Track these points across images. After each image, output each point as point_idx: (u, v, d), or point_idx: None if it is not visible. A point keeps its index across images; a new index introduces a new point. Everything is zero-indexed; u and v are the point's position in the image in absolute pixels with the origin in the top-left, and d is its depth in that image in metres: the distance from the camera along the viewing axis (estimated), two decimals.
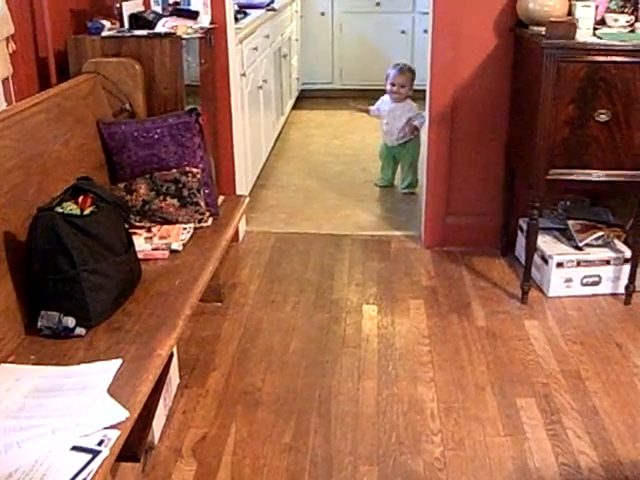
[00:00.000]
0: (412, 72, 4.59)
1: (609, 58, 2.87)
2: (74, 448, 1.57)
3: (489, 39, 3.46)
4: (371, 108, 4.76)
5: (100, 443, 1.59)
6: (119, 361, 1.89)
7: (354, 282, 3.46)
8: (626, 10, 3.17)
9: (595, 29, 3.08)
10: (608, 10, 3.18)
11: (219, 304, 3.21)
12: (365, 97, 6.30)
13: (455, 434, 2.42)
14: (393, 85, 4.56)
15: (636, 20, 3.14)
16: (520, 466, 2.29)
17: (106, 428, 1.63)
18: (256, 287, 3.39)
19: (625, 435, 2.43)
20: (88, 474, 1.50)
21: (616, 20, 3.12)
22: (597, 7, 3.12)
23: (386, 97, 4.66)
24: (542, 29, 3.01)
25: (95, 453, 1.55)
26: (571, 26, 2.89)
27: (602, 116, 2.92)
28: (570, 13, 3.14)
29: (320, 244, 3.85)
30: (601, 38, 2.96)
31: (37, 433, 1.63)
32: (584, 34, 3.02)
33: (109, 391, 1.76)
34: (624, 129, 2.94)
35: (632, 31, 3.10)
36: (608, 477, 2.25)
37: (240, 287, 3.39)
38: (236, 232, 3.77)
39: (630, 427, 2.46)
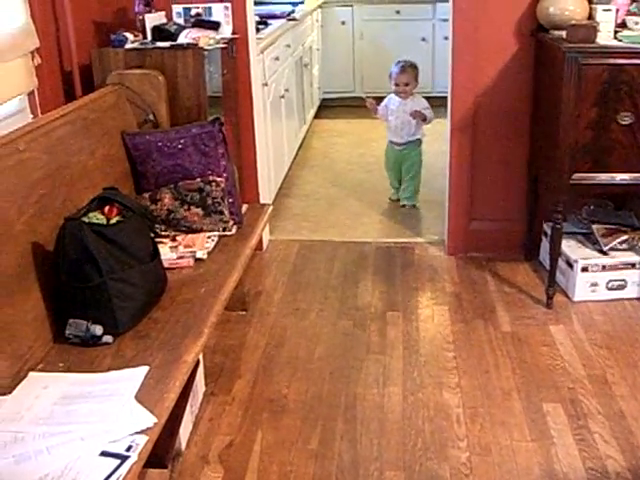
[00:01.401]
0: (414, 68, 4.52)
1: (631, 61, 2.86)
2: (103, 453, 1.59)
3: (509, 44, 3.46)
4: (378, 108, 4.62)
5: (128, 449, 1.61)
6: (146, 368, 1.91)
7: (378, 289, 3.46)
8: None
9: (616, 32, 3.07)
10: (629, 13, 3.17)
11: (244, 312, 3.22)
12: None
13: (481, 439, 2.42)
14: (397, 85, 4.49)
15: None
16: (547, 471, 2.28)
17: (134, 434, 1.65)
18: (280, 295, 3.41)
19: None
20: (117, 479, 1.52)
21: (637, 23, 3.10)
22: (617, 10, 3.12)
23: (393, 95, 4.58)
24: (563, 33, 3.01)
25: (124, 458, 1.57)
26: (591, 29, 2.89)
27: (625, 119, 2.91)
28: (591, 17, 3.14)
29: (344, 251, 3.87)
30: (622, 41, 2.95)
31: (66, 439, 1.65)
32: (605, 37, 3.01)
33: (137, 397, 1.78)
34: None
35: None
36: None
37: (264, 295, 3.40)
38: (260, 241, 3.79)
39: None
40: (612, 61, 2.87)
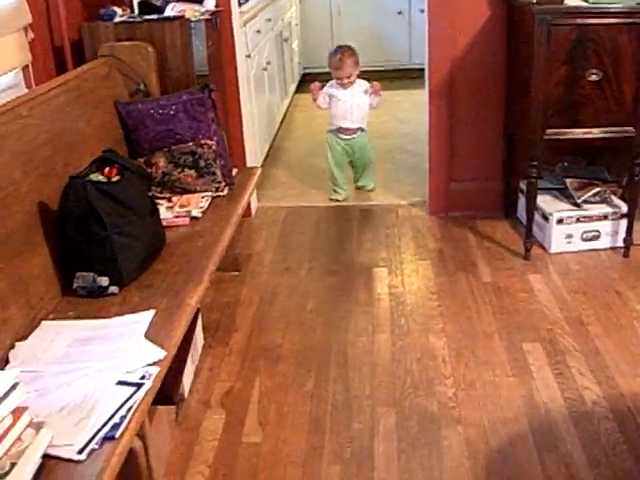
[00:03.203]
0: (353, 53, 4.13)
1: (597, 20, 3.01)
2: (119, 383, 1.74)
3: (483, 11, 3.59)
4: (318, 103, 4.22)
5: (142, 378, 1.75)
6: (152, 312, 2.05)
7: (363, 248, 3.62)
8: None
9: None
10: None
11: (237, 273, 3.36)
12: (366, 79, 6.46)
13: (466, 376, 2.58)
14: (339, 78, 4.13)
15: None
16: (528, 402, 2.44)
17: (146, 366, 1.80)
18: (271, 256, 3.55)
19: (626, 371, 2.58)
20: (134, 402, 1.66)
21: None
22: None
23: (332, 86, 4.21)
24: None
25: (139, 386, 1.72)
26: None
27: (593, 76, 3.06)
28: None
29: (329, 215, 4.02)
30: (589, 2, 3.10)
31: (83, 374, 1.80)
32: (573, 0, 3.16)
33: (146, 336, 1.93)
34: (615, 87, 3.08)
35: None
36: (611, 408, 2.40)
37: (256, 257, 3.55)
38: (249, 207, 3.93)
39: (630, 364, 2.61)
40: (579, 21, 3.02)
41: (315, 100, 4.23)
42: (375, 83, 4.17)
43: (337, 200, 4.19)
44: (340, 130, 4.21)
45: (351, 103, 4.15)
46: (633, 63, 3.04)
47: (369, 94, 4.17)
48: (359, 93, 4.17)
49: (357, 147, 4.25)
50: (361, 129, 4.24)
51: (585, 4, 3.09)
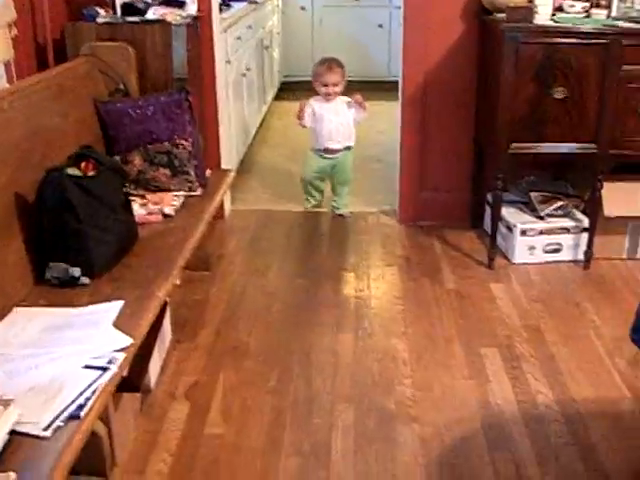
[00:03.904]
0: (341, 66, 4.07)
1: (564, 40, 3.13)
2: (86, 367, 1.81)
3: (457, 27, 3.71)
4: (303, 122, 4.11)
5: (109, 362, 1.82)
6: (122, 302, 2.12)
7: (332, 253, 3.71)
8: None
9: (554, 14, 3.34)
10: None
11: (207, 273, 3.43)
12: (345, 89, 6.56)
13: (424, 378, 2.67)
14: (325, 85, 4.02)
15: (591, 7, 3.40)
16: (483, 403, 2.54)
17: (113, 352, 1.87)
18: (241, 258, 3.63)
19: (579, 378, 2.68)
20: (99, 385, 1.73)
21: (572, 6, 3.38)
22: None
23: (314, 101, 4.10)
24: (504, 15, 3.27)
25: (104, 369, 1.79)
26: (528, 10, 3.16)
27: (558, 93, 3.18)
28: (530, 0, 3.40)
29: (301, 220, 4.11)
30: (557, 22, 3.22)
31: (53, 357, 1.87)
32: (543, 19, 3.27)
33: (114, 325, 2.00)
34: (579, 105, 3.20)
35: (587, 16, 3.37)
36: (562, 412, 2.50)
37: (226, 258, 3.63)
38: (222, 209, 4.01)
39: (584, 371, 2.72)
40: (547, 40, 3.14)
41: (300, 119, 4.09)
42: (357, 95, 4.06)
43: (313, 206, 4.20)
44: (325, 151, 4.11)
45: (336, 123, 4.05)
46: (597, 82, 3.16)
47: (352, 106, 4.06)
48: (342, 109, 4.07)
49: (339, 165, 4.15)
50: (348, 147, 4.15)
51: (553, 24, 3.21)
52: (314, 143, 4.15)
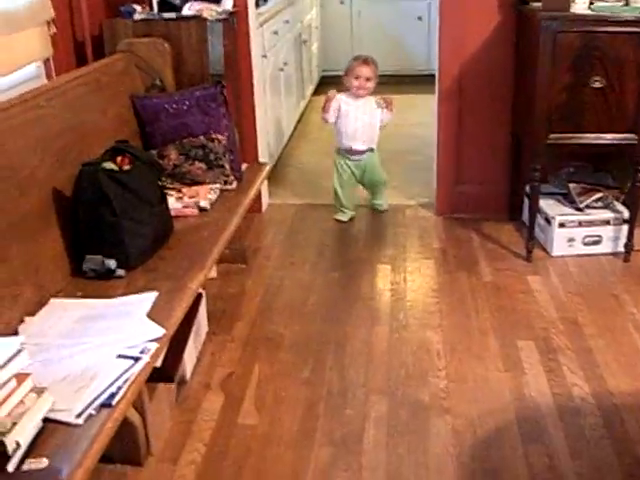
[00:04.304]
0: (376, 64, 3.95)
1: (601, 28, 3.09)
2: (119, 356, 1.85)
3: (493, 17, 3.68)
4: (327, 115, 3.94)
5: (141, 352, 1.86)
6: (155, 293, 2.16)
7: (369, 245, 3.72)
8: None
9: (592, 3, 3.29)
10: None
11: (244, 266, 3.47)
12: (384, 83, 6.53)
13: (458, 370, 2.66)
14: (357, 78, 3.87)
15: None
16: (517, 395, 2.52)
17: (146, 342, 1.90)
18: (278, 251, 3.66)
19: (616, 370, 2.64)
20: (131, 375, 1.77)
21: None
22: None
23: (342, 96, 3.96)
24: (540, 4, 3.23)
25: (137, 359, 1.83)
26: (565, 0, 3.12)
27: (596, 83, 3.13)
28: None
29: None
30: (595, 11, 3.18)
31: (86, 347, 1.91)
32: (580, 8, 3.23)
33: (148, 315, 2.04)
34: (618, 95, 3.16)
35: (626, 4, 3.31)
36: (598, 404, 2.47)
37: (263, 251, 3.65)
38: (259, 203, 4.04)
39: (621, 364, 2.68)
40: (584, 29, 3.10)
41: (325, 111, 3.93)
42: (387, 97, 3.94)
43: (341, 221, 3.98)
44: (349, 151, 3.97)
45: (362, 121, 3.91)
46: (636, 72, 3.11)
47: (382, 107, 3.92)
48: (371, 108, 3.92)
49: (367, 168, 4.01)
50: (371, 149, 4.01)
51: (591, 12, 3.17)
52: (337, 142, 4.01)
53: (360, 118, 3.91)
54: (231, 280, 3.35)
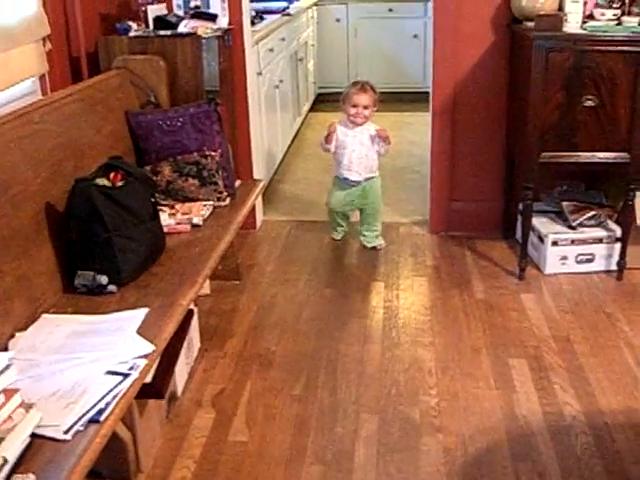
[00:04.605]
0: (374, 90, 3.76)
1: (593, 47, 3.11)
2: (108, 372, 1.84)
3: (487, 36, 3.71)
4: (329, 147, 3.78)
5: (130, 369, 1.86)
6: (146, 309, 2.16)
7: (363, 263, 3.72)
8: (614, 5, 3.40)
9: (584, 22, 3.32)
10: (597, 5, 3.41)
11: (237, 282, 3.47)
12: (380, 100, 6.55)
13: (450, 388, 2.66)
14: (355, 106, 3.70)
15: (622, 14, 3.37)
16: (508, 414, 2.52)
17: (136, 358, 1.90)
18: (272, 267, 3.66)
19: (608, 389, 2.65)
20: (120, 391, 1.77)
21: (603, 14, 3.35)
22: (586, 3, 3.37)
23: (340, 126, 3.79)
24: (533, 23, 3.26)
25: (126, 376, 1.83)
26: (557, 19, 3.14)
27: (589, 102, 3.15)
28: (560, 9, 3.39)
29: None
30: (586, 30, 3.20)
31: (76, 363, 1.91)
32: (573, 27, 3.26)
33: (138, 332, 2.04)
34: (610, 114, 3.17)
35: (619, 24, 3.34)
36: (589, 423, 2.47)
37: (257, 267, 3.66)
38: (254, 220, 4.05)
39: (613, 382, 2.68)
40: (576, 48, 3.12)
41: (328, 142, 3.76)
42: (381, 129, 3.76)
43: (336, 239, 3.95)
44: (346, 181, 3.84)
45: (359, 152, 3.76)
46: (628, 90, 3.13)
47: (376, 142, 3.77)
48: (367, 139, 3.76)
49: (365, 194, 3.85)
50: (369, 178, 3.84)
51: (582, 31, 3.19)
52: (335, 170, 3.91)
53: (357, 149, 3.76)
54: (224, 296, 3.35)
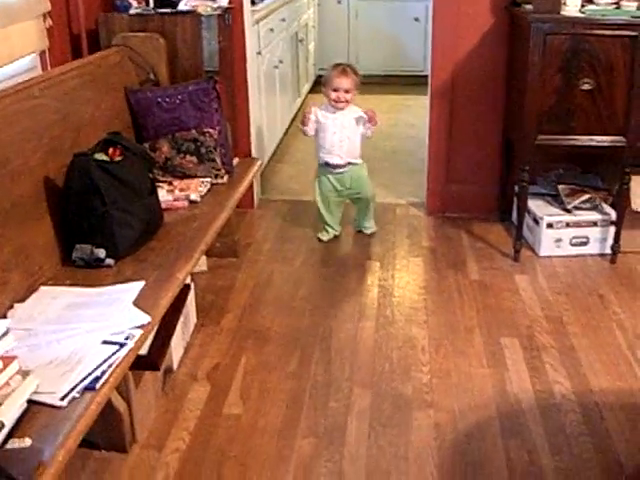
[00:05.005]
0: (357, 73, 3.64)
1: (591, 31, 3.12)
2: (104, 342, 1.88)
3: (486, 19, 3.71)
4: (306, 129, 3.68)
5: (126, 339, 1.89)
6: (142, 282, 2.19)
7: (360, 243, 3.75)
8: None
9: (583, 6, 3.33)
10: None
11: (234, 260, 3.50)
12: (380, 83, 6.57)
13: (442, 365, 2.70)
14: (336, 90, 3.57)
15: None
16: (499, 391, 2.56)
17: (132, 328, 1.93)
18: (269, 246, 3.69)
19: (599, 369, 2.68)
20: (115, 360, 1.80)
21: None
22: None
23: (320, 109, 3.68)
24: (531, 6, 3.27)
25: (122, 345, 1.86)
26: (556, 1, 3.15)
27: (586, 85, 3.17)
28: None
29: None
30: (585, 13, 3.21)
31: (73, 333, 1.94)
32: (572, 11, 3.27)
33: (134, 303, 2.07)
34: (606, 97, 3.19)
35: (618, 7, 3.35)
36: (579, 402, 2.51)
37: (254, 245, 3.68)
38: (252, 199, 4.08)
39: (604, 363, 2.72)
40: (574, 31, 3.13)
41: (304, 125, 3.68)
42: (370, 110, 3.64)
43: (321, 240, 3.74)
44: (328, 165, 3.69)
45: (340, 135, 3.62)
46: (625, 74, 3.15)
47: (363, 123, 3.64)
48: (350, 121, 3.63)
49: (350, 181, 3.71)
50: (351, 163, 3.69)
51: (581, 15, 3.20)
52: (317, 156, 3.75)
53: (338, 132, 3.62)
54: (221, 273, 3.38)
